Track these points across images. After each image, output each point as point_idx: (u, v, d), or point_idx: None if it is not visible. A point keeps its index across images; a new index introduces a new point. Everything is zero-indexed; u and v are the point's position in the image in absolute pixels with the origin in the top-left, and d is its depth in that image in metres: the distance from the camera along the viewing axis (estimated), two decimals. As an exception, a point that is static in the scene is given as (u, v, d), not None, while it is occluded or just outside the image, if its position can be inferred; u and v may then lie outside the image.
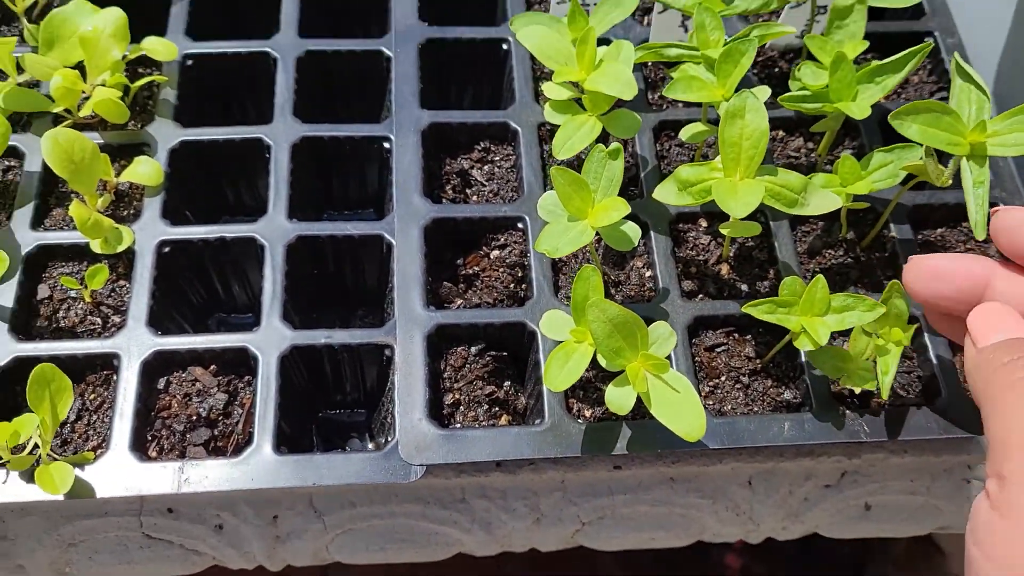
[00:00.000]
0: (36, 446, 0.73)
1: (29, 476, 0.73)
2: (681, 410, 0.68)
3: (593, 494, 0.88)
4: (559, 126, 0.79)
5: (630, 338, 0.68)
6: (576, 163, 0.89)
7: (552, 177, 0.73)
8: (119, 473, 0.73)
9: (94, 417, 0.78)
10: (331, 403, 0.90)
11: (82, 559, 0.87)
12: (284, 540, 0.88)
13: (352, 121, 0.92)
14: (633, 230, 0.76)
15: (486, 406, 0.80)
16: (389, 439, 0.78)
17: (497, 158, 0.93)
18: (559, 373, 0.70)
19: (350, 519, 0.87)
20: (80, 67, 0.89)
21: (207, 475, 0.74)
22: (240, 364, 0.81)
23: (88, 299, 0.82)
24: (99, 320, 0.82)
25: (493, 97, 1.01)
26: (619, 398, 0.70)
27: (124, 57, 0.89)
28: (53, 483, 0.70)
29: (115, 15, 0.87)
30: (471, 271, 0.88)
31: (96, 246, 0.83)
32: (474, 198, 0.91)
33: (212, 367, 0.81)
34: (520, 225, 0.87)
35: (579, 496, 0.88)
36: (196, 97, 0.94)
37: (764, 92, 0.77)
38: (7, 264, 0.75)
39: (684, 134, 0.84)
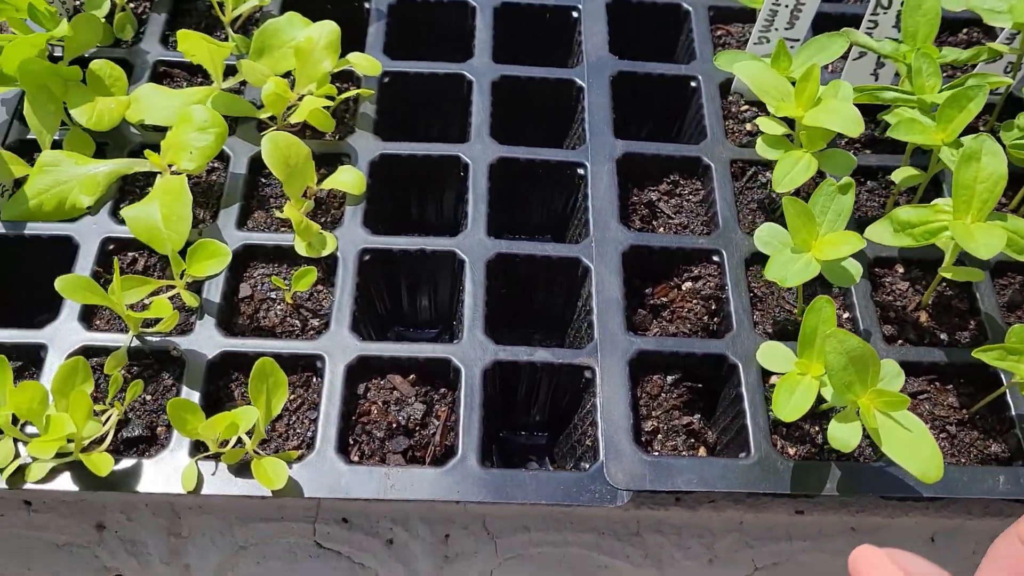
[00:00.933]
0: (240, 441, 0.73)
1: (243, 471, 0.73)
2: (916, 449, 0.66)
3: (771, 538, 0.86)
4: (755, 162, 0.79)
5: (863, 372, 0.67)
6: (755, 205, 0.89)
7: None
8: (326, 475, 0.73)
9: (294, 418, 0.78)
10: (515, 423, 0.89)
11: (249, 564, 0.87)
12: (452, 560, 0.86)
13: (537, 145, 0.93)
14: (855, 267, 0.75)
15: (684, 436, 0.79)
16: (584, 464, 0.77)
17: (686, 191, 0.93)
18: (786, 404, 0.69)
19: (522, 544, 0.85)
20: (287, 76, 0.91)
21: (412, 483, 0.73)
22: (438, 375, 0.81)
23: (289, 300, 0.83)
24: (298, 322, 0.83)
25: (675, 131, 1.02)
26: (844, 435, 0.68)
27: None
28: (269, 478, 0.70)
29: (329, 28, 0.89)
30: (659, 301, 0.87)
31: (301, 249, 0.83)
32: (660, 229, 0.91)
33: (411, 376, 0.80)
34: (715, 258, 0.86)
35: (756, 539, 0.86)
36: (393, 113, 0.96)
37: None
38: (229, 258, 0.76)
39: (897, 176, 0.83)
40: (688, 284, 0.87)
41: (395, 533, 0.84)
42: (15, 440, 0.72)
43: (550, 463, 0.89)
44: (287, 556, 0.86)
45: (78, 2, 1.01)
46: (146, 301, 0.78)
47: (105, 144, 0.90)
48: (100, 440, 0.73)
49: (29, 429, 0.73)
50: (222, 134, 0.84)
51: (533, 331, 0.97)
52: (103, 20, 0.95)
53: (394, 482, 0.73)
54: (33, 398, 0.68)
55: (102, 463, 0.69)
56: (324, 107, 0.89)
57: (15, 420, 0.73)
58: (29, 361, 0.79)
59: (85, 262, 0.82)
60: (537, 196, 0.95)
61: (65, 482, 0.72)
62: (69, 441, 0.70)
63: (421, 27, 1.04)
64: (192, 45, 0.87)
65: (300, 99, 0.91)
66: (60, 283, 0.73)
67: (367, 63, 0.92)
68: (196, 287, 0.81)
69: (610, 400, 0.77)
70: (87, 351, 0.78)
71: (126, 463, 0.72)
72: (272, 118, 0.92)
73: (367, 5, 1.03)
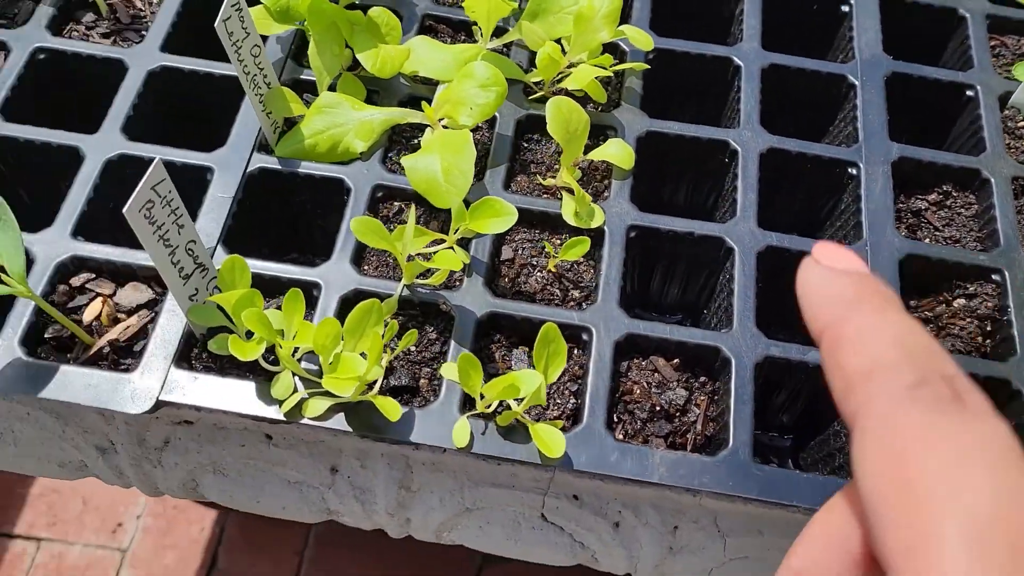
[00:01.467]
0: (506, 406, 0.72)
1: (509, 435, 0.72)
2: None
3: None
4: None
5: None
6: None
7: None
8: (595, 450, 0.71)
9: (554, 388, 0.77)
10: (765, 423, 0.86)
11: (471, 527, 0.86)
12: (676, 552, 0.84)
13: (798, 138, 0.89)
14: None
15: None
16: (846, 475, 0.74)
17: (958, 204, 0.88)
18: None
19: (753, 547, 0.83)
20: (557, 42, 0.90)
21: (681, 469, 0.71)
22: (701, 363, 0.78)
23: (552, 268, 0.82)
24: (558, 291, 0.82)
25: (942, 140, 0.97)
26: None
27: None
28: (548, 444, 0.69)
29: (612, -3, 0.87)
30: (924, 315, 0.83)
31: (569, 217, 0.82)
32: (926, 240, 0.87)
33: (675, 360, 0.78)
34: (995, 277, 0.82)
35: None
36: (658, 90, 0.93)
37: None
38: (514, 218, 0.75)
39: None
40: (961, 301, 0.83)
41: (623, 517, 0.82)
42: (294, 375, 0.72)
43: (794, 467, 0.86)
44: (510, 525, 0.85)
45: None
46: (425, 251, 0.78)
47: (375, 92, 0.90)
48: (371, 385, 0.73)
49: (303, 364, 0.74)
50: (502, 93, 0.83)
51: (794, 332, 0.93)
52: (377, -33, 0.95)
53: (663, 466, 0.71)
54: (329, 334, 0.68)
55: (391, 408, 0.68)
56: (598, 77, 0.88)
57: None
58: (305, 297, 0.79)
59: (357, 207, 0.82)
60: (800, 191, 0.92)
61: (339, 422, 0.72)
62: (349, 382, 0.70)
63: (684, 4, 1.01)
64: (476, 2, 0.87)
65: (570, 66, 0.89)
66: (355, 224, 0.73)
67: (641, 37, 0.90)
68: (463, 244, 0.81)
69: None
70: (358, 294, 0.78)
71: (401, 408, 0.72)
72: (538, 83, 0.91)
73: (633, -23, 1.01)
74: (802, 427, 0.86)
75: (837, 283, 0.34)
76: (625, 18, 0.96)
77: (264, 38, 0.90)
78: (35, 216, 0.83)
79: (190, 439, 0.83)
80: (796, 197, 0.93)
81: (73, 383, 0.72)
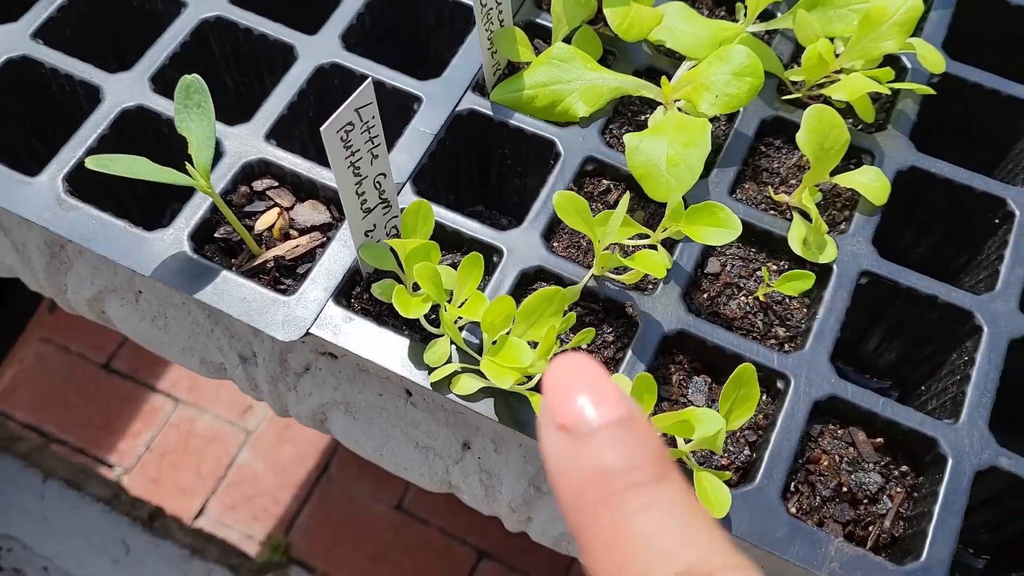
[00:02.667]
0: (671, 439, 0.63)
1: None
2: None
3: None
4: None
5: None
6: None
7: None
8: (762, 517, 0.61)
9: (734, 432, 0.67)
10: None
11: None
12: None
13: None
14: None
15: None
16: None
17: None
18: None
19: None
20: (831, 40, 0.78)
21: (858, 571, 0.60)
22: (909, 451, 0.66)
23: (761, 297, 0.71)
24: (761, 323, 0.71)
25: None
26: None
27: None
28: (710, 499, 0.59)
29: (911, 2, 0.74)
30: None
31: (795, 244, 0.71)
32: None
33: (878, 439, 0.67)
34: None
35: None
36: (932, 119, 0.80)
37: None
38: (737, 234, 0.65)
39: None
40: None
41: (766, 588, 0.72)
42: (452, 344, 0.66)
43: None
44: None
45: None
46: (626, 242, 0.69)
47: (611, 53, 0.81)
48: (531, 377, 0.66)
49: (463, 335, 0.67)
50: (757, 87, 0.72)
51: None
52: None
53: (837, 560, 0.60)
54: (501, 313, 0.61)
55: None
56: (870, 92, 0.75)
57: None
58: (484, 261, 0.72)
59: (563, 175, 0.74)
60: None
61: (487, 406, 0.65)
62: (509, 368, 0.63)
63: (988, 28, 0.86)
64: (752, -23, 0.76)
65: (839, 71, 0.77)
66: (559, 198, 0.64)
67: (932, 56, 0.77)
68: (668, 245, 0.72)
69: None
70: (541, 272, 0.70)
71: (553, 412, 0.64)
72: (797, 83, 0.79)
73: (935, -16, 0.86)
74: (1004, 552, 0.72)
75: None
76: (915, 30, 0.83)
77: (507, -28, 0.82)
78: (236, 106, 0.79)
79: (330, 372, 0.79)
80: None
81: (230, 292, 0.68)
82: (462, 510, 1.91)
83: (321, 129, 0.58)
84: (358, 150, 0.62)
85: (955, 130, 0.84)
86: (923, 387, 0.76)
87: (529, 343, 0.62)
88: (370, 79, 0.61)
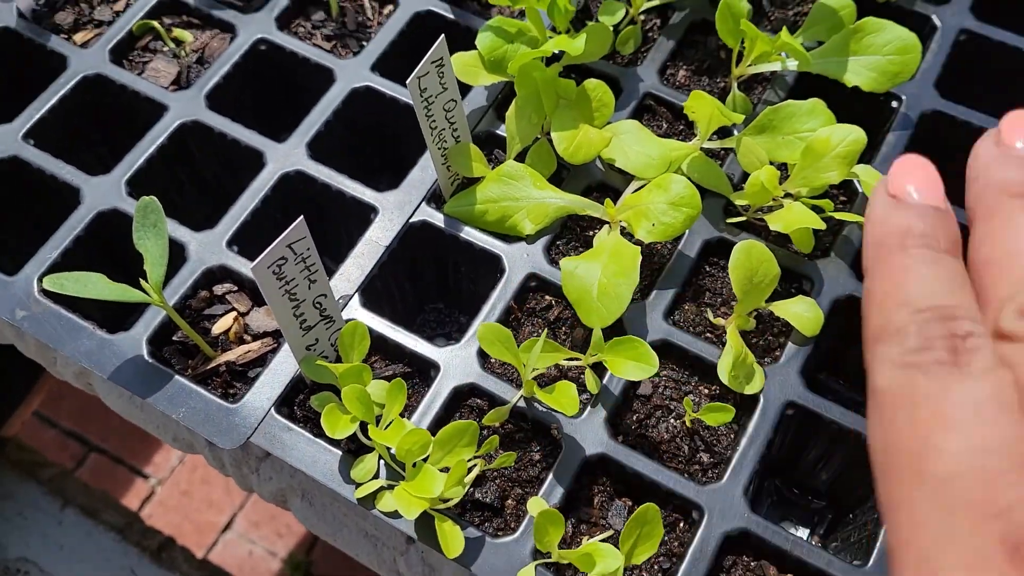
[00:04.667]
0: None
1: None
2: None
3: None
4: None
5: None
6: None
7: None
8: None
9: (648, 559, 0.69)
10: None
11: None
12: None
13: None
14: None
15: None
16: None
17: None
18: None
19: None
20: (779, 167, 0.79)
21: None
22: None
23: (688, 423, 0.73)
24: (687, 448, 0.73)
25: None
26: None
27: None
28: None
29: (853, 137, 0.75)
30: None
31: (723, 375, 0.73)
32: None
33: (789, 575, 0.68)
34: None
35: None
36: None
37: None
38: (653, 371, 0.67)
39: None
40: None
41: None
42: (380, 459, 0.69)
43: None
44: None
45: (590, -2, 0.94)
46: (562, 363, 0.72)
47: (565, 168, 0.84)
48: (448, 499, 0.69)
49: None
50: (692, 217, 0.74)
51: None
52: (610, 28, 0.87)
53: None
54: (417, 442, 0.64)
55: (454, 541, 0.64)
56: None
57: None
58: (419, 371, 0.76)
59: (506, 290, 0.77)
60: None
61: (407, 527, 0.68)
62: (428, 490, 0.66)
63: (947, 153, 0.86)
64: (698, 105, 0.77)
65: (785, 196, 0.79)
66: (482, 330, 0.68)
67: (871, 179, 0.78)
68: (599, 367, 0.74)
69: None
70: (474, 389, 0.74)
71: (470, 533, 0.67)
72: (745, 206, 0.81)
73: (894, 104, 0.87)
74: None
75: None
76: (871, 151, 0.83)
77: (468, 88, 0.85)
78: (215, 201, 0.84)
79: (286, 463, 0.83)
80: None
81: (179, 398, 0.72)
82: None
83: (251, 268, 0.62)
84: (293, 279, 0.66)
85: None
86: (852, 514, 0.77)
87: (443, 469, 0.65)
88: (301, 217, 0.64)
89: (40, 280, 0.77)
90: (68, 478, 1.68)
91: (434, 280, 0.87)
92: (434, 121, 0.76)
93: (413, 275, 0.85)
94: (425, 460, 0.66)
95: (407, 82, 0.71)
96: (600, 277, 0.72)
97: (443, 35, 0.73)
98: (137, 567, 1.56)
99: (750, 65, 0.85)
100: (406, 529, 0.68)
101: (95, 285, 0.68)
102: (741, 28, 0.81)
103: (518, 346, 0.69)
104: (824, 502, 0.82)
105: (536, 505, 0.67)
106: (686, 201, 0.74)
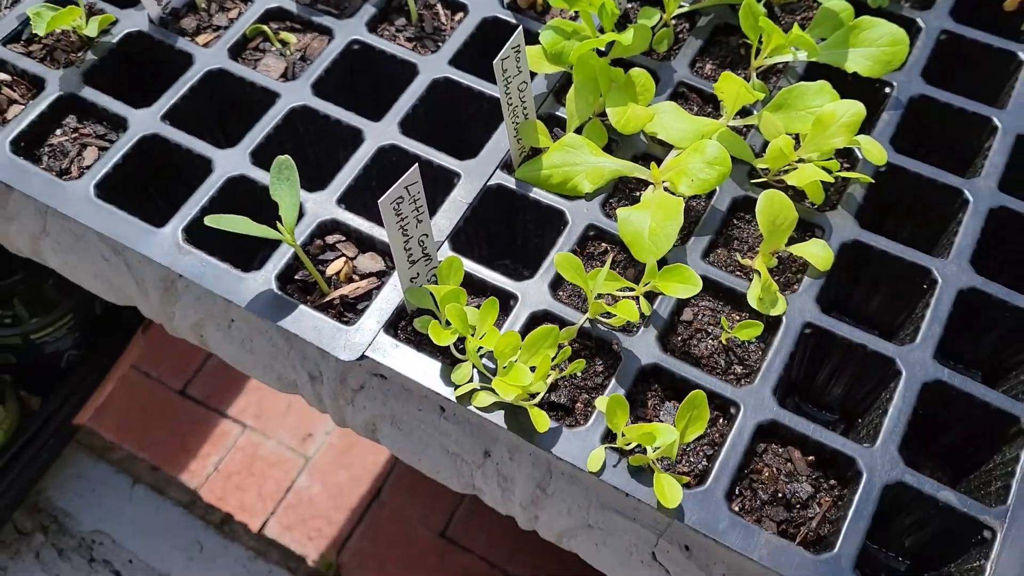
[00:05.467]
0: (642, 449, 0.80)
1: (637, 474, 0.80)
2: None
3: None
4: None
5: None
6: None
7: None
8: (708, 511, 0.78)
9: (691, 447, 0.84)
10: (887, 542, 0.89)
11: (589, 541, 0.95)
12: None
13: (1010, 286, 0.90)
14: None
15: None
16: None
17: None
18: None
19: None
20: (794, 137, 0.96)
21: (781, 557, 0.76)
22: (835, 467, 0.83)
23: (724, 341, 0.89)
24: (723, 362, 0.88)
25: None
26: None
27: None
28: (665, 494, 0.77)
29: (855, 109, 0.92)
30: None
31: (752, 300, 0.88)
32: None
33: (810, 457, 0.83)
34: None
35: None
36: (880, 202, 0.97)
37: None
38: (698, 289, 0.83)
39: None
40: None
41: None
42: (473, 367, 0.85)
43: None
44: (623, 551, 0.93)
45: (629, 5, 1.12)
46: (613, 294, 0.88)
47: (615, 141, 1.01)
48: (534, 395, 0.84)
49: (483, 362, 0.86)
50: (724, 174, 0.91)
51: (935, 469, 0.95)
52: (649, 28, 1.05)
53: (766, 548, 0.77)
54: (509, 344, 0.80)
55: (540, 420, 0.79)
56: (821, 180, 0.93)
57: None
58: (502, 303, 0.91)
59: (569, 238, 0.93)
60: (993, 338, 0.93)
61: (498, 416, 0.83)
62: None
63: (933, 129, 1.03)
64: (727, 85, 0.94)
65: (798, 161, 0.95)
66: (559, 258, 0.84)
67: (875, 150, 0.94)
68: (651, 297, 0.90)
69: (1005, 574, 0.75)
70: (547, 315, 0.89)
71: (550, 423, 0.83)
72: (764, 169, 0.97)
73: (887, 91, 1.04)
74: (922, 557, 0.88)
75: None
76: (869, 126, 1.00)
77: (533, 74, 1.02)
78: (315, 175, 1.00)
79: (380, 390, 0.98)
80: (983, 343, 0.94)
81: (305, 321, 0.88)
82: (502, 540, 2.09)
83: (379, 201, 0.78)
84: (406, 217, 0.82)
85: (905, 211, 1.01)
86: (860, 420, 0.93)
87: (531, 368, 0.81)
88: (416, 164, 0.81)
89: (185, 231, 0.93)
90: (135, 460, 1.82)
91: (504, 239, 1.03)
92: (511, 99, 0.93)
93: (487, 235, 1.01)
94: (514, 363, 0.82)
95: (493, 62, 0.87)
96: (650, 222, 0.88)
97: (520, 26, 0.90)
98: (202, 538, 1.69)
99: (767, 57, 1.02)
100: (497, 420, 0.83)
101: (245, 223, 0.84)
102: (760, 24, 0.98)
103: (586, 274, 0.85)
104: (836, 415, 0.98)
105: (603, 403, 0.82)
106: (719, 160, 0.91)
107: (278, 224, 0.87)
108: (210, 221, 0.83)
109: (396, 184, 0.79)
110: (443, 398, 0.85)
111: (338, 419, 1.06)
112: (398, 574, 2.09)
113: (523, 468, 0.94)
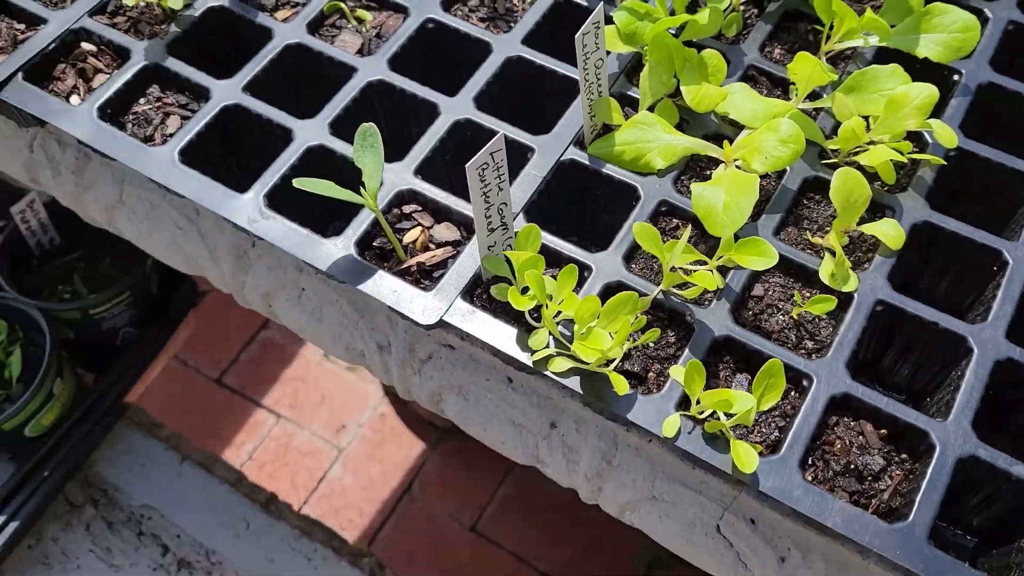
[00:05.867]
0: (716, 416, 0.82)
1: (711, 441, 0.82)
2: None
3: None
4: None
5: None
6: None
7: None
8: (782, 480, 0.79)
9: (764, 417, 0.85)
10: (954, 519, 0.90)
11: (652, 514, 0.96)
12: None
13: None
14: None
15: None
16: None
17: None
18: None
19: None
20: (865, 119, 0.97)
21: (856, 524, 0.77)
22: (908, 440, 0.84)
23: (795, 316, 0.90)
24: (793, 337, 0.90)
25: None
26: None
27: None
28: (742, 459, 0.78)
29: (927, 92, 0.93)
30: None
31: (824, 276, 0.90)
32: None
33: (882, 431, 0.84)
34: None
35: None
36: (950, 186, 0.98)
37: None
38: (774, 261, 0.84)
39: None
40: None
41: (791, 555, 0.89)
42: (549, 333, 0.86)
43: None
44: (687, 524, 0.94)
45: (698, -9, 1.14)
46: (687, 267, 0.89)
47: (685, 121, 1.02)
48: (609, 363, 0.85)
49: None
50: (798, 152, 0.92)
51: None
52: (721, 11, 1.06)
53: (840, 515, 0.78)
54: (589, 309, 0.81)
55: (620, 383, 0.81)
56: (892, 160, 0.94)
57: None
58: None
59: (642, 213, 0.95)
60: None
61: (574, 383, 0.85)
62: (592, 353, 0.83)
63: (1000, 117, 1.04)
64: (801, 66, 0.96)
65: (869, 143, 0.96)
66: (638, 228, 0.85)
67: (946, 133, 0.95)
68: (722, 271, 0.91)
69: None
70: (620, 285, 0.91)
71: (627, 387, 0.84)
72: (835, 151, 0.98)
73: (955, 78, 1.05)
74: (991, 534, 0.88)
75: None
76: (938, 113, 1.01)
77: (607, 53, 1.04)
78: (390, 148, 1.02)
79: (448, 360, 1.00)
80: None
81: (384, 286, 0.90)
82: (532, 535, 2.10)
83: (466, 166, 0.80)
84: (489, 183, 0.84)
85: (974, 195, 1.02)
86: (929, 399, 0.93)
87: (609, 334, 0.82)
88: (501, 132, 0.83)
89: (267, 197, 0.95)
90: (182, 439, 1.85)
91: (573, 214, 1.04)
92: (587, 74, 0.94)
93: (559, 210, 1.03)
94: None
95: (575, 37, 0.89)
96: (724, 196, 0.89)
97: (602, 3, 0.92)
98: (249, 515, 1.72)
99: (837, 42, 1.03)
100: (572, 385, 0.85)
101: (330, 187, 0.86)
102: (833, 8, 1.00)
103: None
104: (904, 396, 0.99)
105: (677, 372, 0.83)
106: (793, 138, 0.92)
107: (361, 190, 0.89)
108: (299, 183, 0.85)
109: (482, 150, 0.81)
110: (511, 369, 0.87)
111: (404, 389, 1.08)
112: (428, 566, 2.11)
113: (589, 439, 0.95)
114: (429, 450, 2.26)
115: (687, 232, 0.84)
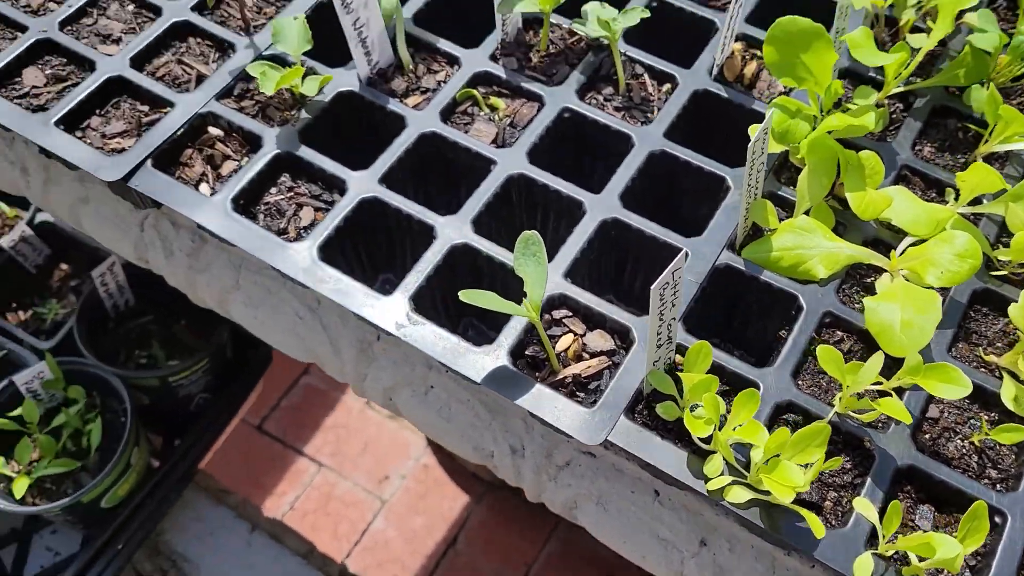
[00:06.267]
0: (907, 558, 0.77)
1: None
2: None
3: None
4: None
5: None
6: None
7: None
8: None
9: (951, 554, 0.80)
10: None
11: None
12: None
13: None
14: None
15: None
16: None
17: None
18: None
19: None
20: (1034, 228, 0.93)
21: None
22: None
23: (976, 442, 0.85)
24: (975, 465, 0.85)
25: None
26: None
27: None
28: None
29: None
30: None
31: (1008, 400, 0.85)
32: None
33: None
34: None
35: None
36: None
37: None
38: (967, 391, 0.80)
39: None
40: None
41: None
42: (724, 460, 0.82)
43: None
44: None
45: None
46: (870, 388, 0.84)
47: (841, 224, 0.98)
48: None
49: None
50: (975, 267, 0.88)
51: None
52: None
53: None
54: (779, 441, 0.77)
55: (816, 525, 0.76)
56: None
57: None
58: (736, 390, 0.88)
59: (806, 325, 0.90)
60: None
61: (752, 516, 0.80)
62: (775, 484, 0.78)
63: None
64: (975, 175, 0.92)
65: (1038, 257, 0.92)
66: (822, 352, 0.81)
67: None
68: (898, 392, 0.86)
69: None
70: (791, 406, 0.86)
71: (804, 525, 0.79)
72: (1004, 261, 0.94)
73: (1120, 182, 1.01)
74: None
75: None
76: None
77: (762, 153, 1.00)
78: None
79: (589, 469, 0.96)
80: None
81: (543, 400, 0.85)
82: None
83: (651, 288, 0.76)
84: (666, 301, 0.80)
85: None
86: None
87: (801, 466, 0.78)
88: (684, 249, 0.78)
89: (412, 300, 0.91)
90: (249, 505, 1.80)
91: (721, 321, 1.00)
92: (752, 179, 0.90)
93: (708, 321, 0.98)
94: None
95: (749, 144, 0.86)
96: (901, 313, 0.85)
97: (774, 109, 0.88)
98: (322, 591, 1.66)
99: (999, 143, 1.00)
100: (752, 518, 0.80)
101: (494, 300, 0.82)
102: (1000, 112, 0.96)
103: (843, 367, 0.82)
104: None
105: (866, 507, 0.79)
106: (970, 253, 0.88)
107: (524, 301, 0.85)
108: (464, 296, 0.81)
109: (666, 270, 0.77)
110: (659, 483, 0.82)
111: (535, 494, 1.03)
112: (472, 623, 2.05)
113: (744, 561, 0.90)
114: (474, 503, 2.21)
115: (879, 358, 0.80)
